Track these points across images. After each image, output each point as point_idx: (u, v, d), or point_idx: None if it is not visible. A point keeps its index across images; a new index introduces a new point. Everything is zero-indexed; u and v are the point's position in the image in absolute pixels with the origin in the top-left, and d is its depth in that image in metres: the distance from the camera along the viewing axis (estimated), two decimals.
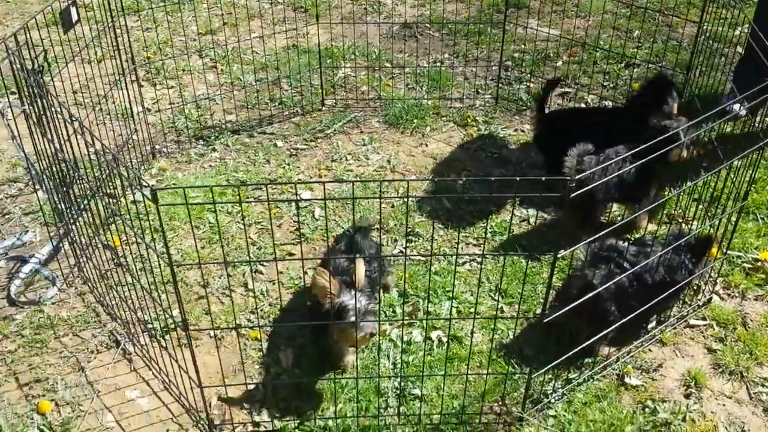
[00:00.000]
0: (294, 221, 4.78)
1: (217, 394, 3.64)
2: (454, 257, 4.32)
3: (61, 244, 4.42)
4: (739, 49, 6.04)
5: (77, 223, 4.13)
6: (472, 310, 4.07)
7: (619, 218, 4.60)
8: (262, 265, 4.43)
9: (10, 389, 3.66)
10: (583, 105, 6.03)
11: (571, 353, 3.50)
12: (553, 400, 3.58)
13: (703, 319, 4.09)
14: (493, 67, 6.39)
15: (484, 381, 3.59)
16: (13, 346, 3.89)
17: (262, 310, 4.13)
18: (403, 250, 4.50)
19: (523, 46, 6.80)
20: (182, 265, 4.29)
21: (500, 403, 3.59)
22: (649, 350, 3.90)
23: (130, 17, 7.04)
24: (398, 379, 3.67)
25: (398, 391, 3.62)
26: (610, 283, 3.48)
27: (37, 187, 4.23)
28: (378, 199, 3.97)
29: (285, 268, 4.41)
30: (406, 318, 4.04)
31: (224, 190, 5.00)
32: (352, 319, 3.23)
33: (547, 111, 5.14)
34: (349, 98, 6.12)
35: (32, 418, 3.51)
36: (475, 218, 4.80)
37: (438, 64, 6.56)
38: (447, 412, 3.51)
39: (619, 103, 5.89)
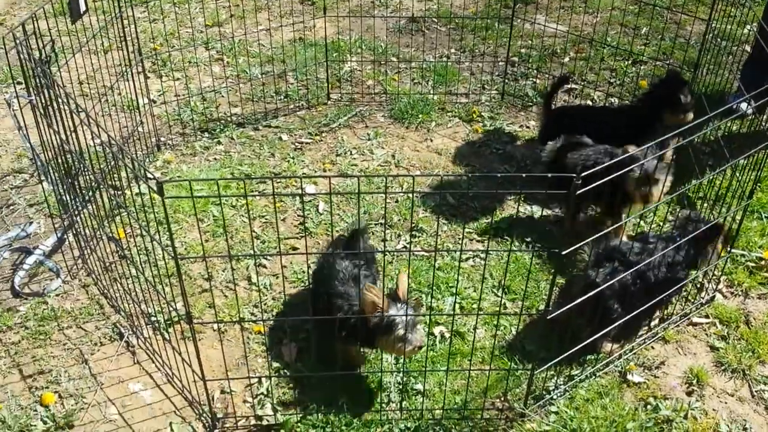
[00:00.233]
0: (298, 215, 4.78)
1: (220, 388, 3.65)
2: (458, 253, 4.32)
3: (65, 236, 4.42)
4: (747, 47, 6.02)
5: (82, 215, 4.14)
6: (475, 305, 4.07)
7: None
8: (266, 258, 4.43)
9: (14, 381, 3.68)
10: (589, 102, 6.01)
11: (573, 350, 3.50)
12: (555, 397, 3.58)
13: (706, 317, 4.08)
14: (500, 63, 6.37)
15: (487, 377, 3.60)
16: (17, 337, 3.90)
17: (265, 304, 4.13)
18: (407, 246, 4.50)
19: (530, 41, 6.79)
20: (187, 258, 4.30)
21: (502, 398, 3.59)
22: (652, 348, 3.90)
23: (138, 8, 7.02)
24: (400, 374, 3.67)
25: (401, 386, 3.62)
26: (613, 281, 3.48)
27: (42, 178, 4.23)
28: (383, 194, 3.97)
29: (289, 262, 4.41)
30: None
31: (229, 183, 5.00)
32: (400, 332, 3.24)
33: (553, 107, 5.13)
34: (355, 92, 6.12)
35: (36, 410, 3.52)
36: (479, 214, 4.80)
37: (444, 59, 6.55)
38: (449, 408, 3.52)
39: (626, 101, 5.88)
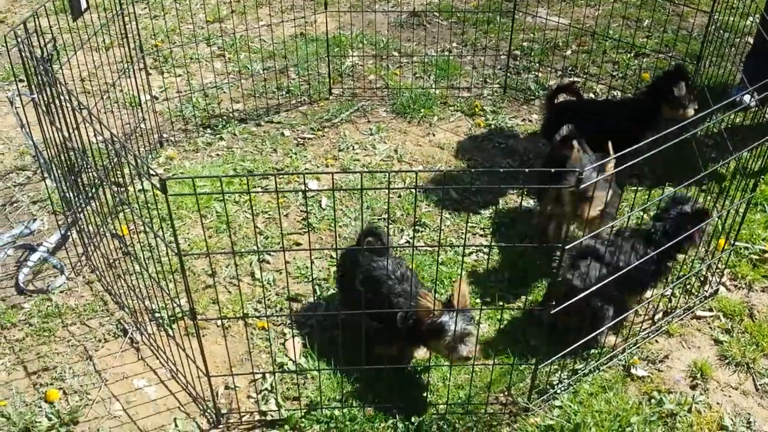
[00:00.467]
0: (301, 211, 4.78)
1: (224, 383, 3.66)
2: (462, 248, 4.32)
3: (69, 233, 4.43)
4: (750, 39, 6.00)
5: (85, 212, 4.14)
6: (479, 300, 4.07)
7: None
8: (270, 254, 4.43)
9: (19, 377, 3.69)
10: (592, 95, 5.99)
11: (575, 346, 3.50)
12: (559, 391, 3.58)
13: (710, 310, 4.08)
14: (502, 57, 6.36)
15: (490, 371, 3.60)
16: (21, 334, 3.91)
17: (269, 300, 4.14)
18: (411, 241, 4.50)
19: (532, 35, 6.77)
20: (190, 255, 4.30)
21: (506, 393, 3.60)
22: (656, 341, 3.90)
23: (138, 4, 7.02)
24: (405, 369, 3.68)
25: (404, 381, 3.63)
26: (594, 284, 3.46)
27: (46, 175, 4.24)
28: (385, 190, 3.96)
29: (292, 257, 4.42)
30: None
31: (231, 179, 5.00)
32: (447, 339, 3.26)
33: (556, 101, 5.13)
34: (357, 87, 6.11)
35: (40, 407, 3.53)
36: (482, 209, 4.80)
37: (446, 53, 6.54)
38: (453, 402, 3.52)
39: (629, 94, 5.86)
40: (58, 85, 3.40)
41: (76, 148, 3.70)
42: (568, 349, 3.47)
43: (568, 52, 6.57)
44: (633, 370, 3.72)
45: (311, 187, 5.03)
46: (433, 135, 5.56)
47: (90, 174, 4.09)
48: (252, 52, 6.45)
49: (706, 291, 4.15)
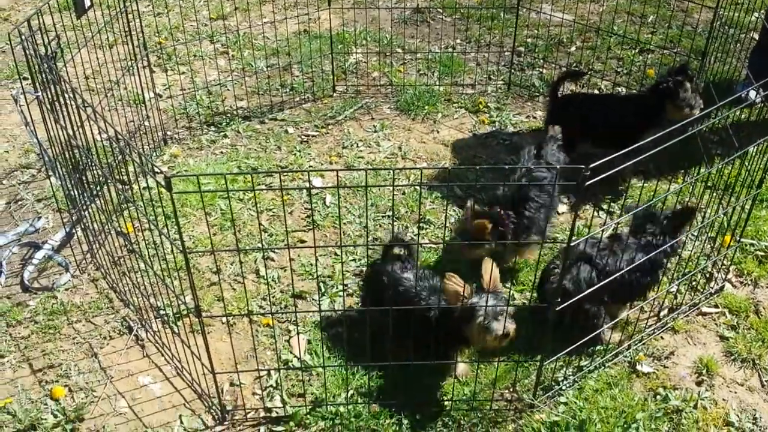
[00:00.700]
0: (305, 208, 4.78)
1: (230, 380, 3.66)
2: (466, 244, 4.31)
3: (73, 231, 4.44)
4: (755, 35, 5.98)
5: (90, 210, 4.15)
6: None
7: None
8: (274, 252, 4.44)
9: (24, 375, 3.69)
10: (596, 91, 5.98)
11: (579, 343, 3.49)
12: (564, 387, 3.58)
13: (716, 306, 4.07)
14: (506, 53, 6.35)
15: (495, 368, 3.60)
16: (27, 332, 3.91)
17: (273, 297, 4.14)
18: (415, 238, 4.49)
19: (536, 31, 6.75)
20: (195, 252, 4.30)
21: (511, 390, 3.59)
22: (661, 338, 3.89)
23: (142, 2, 7.00)
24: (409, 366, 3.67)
25: (409, 378, 3.63)
26: (587, 290, 3.45)
27: (50, 173, 4.24)
28: (390, 187, 3.95)
29: (296, 255, 4.42)
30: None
31: (236, 176, 5.00)
32: (480, 319, 3.18)
33: (560, 95, 5.11)
34: (361, 84, 6.10)
35: (46, 404, 3.54)
36: (486, 206, 4.78)
37: (450, 49, 6.53)
38: (458, 399, 3.52)
39: (634, 90, 5.85)
40: (63, 83, 3.40)
41: (81, 146, 3.71)
42: (574, 346, 3.46)
43: (573, 49, 6.55)
44: (638, 367, 3.71)
45: (315, 184, 5.03)
46: (437, 132, 5.56)
47: (95, 172, 4.09)
48: (255, 49, 6.44)
49: (712, 287, 4.14)
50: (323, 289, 4.15)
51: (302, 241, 4.53)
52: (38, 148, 4.05)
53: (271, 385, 3.63)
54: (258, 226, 4.51)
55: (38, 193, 4.90)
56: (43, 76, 3.56)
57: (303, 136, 5.50)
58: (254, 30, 6.40)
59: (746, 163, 3.96)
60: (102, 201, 4.08)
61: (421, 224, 4.61)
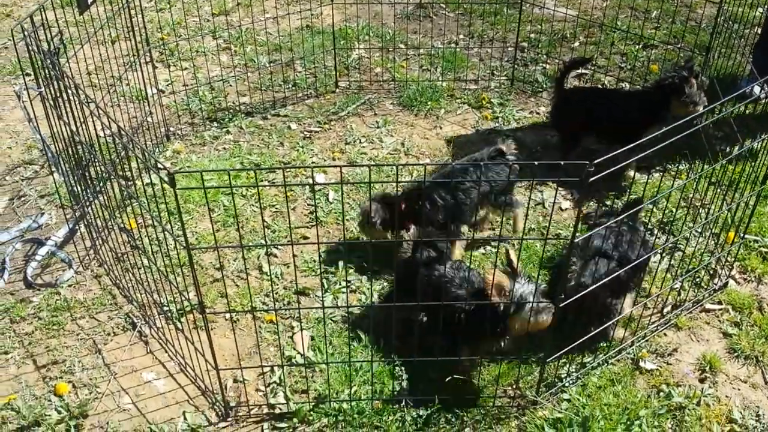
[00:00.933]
0: (308, 204, 4.78)
1: (233, 376, 3.66)
2: (470, 241, 4.31)
3: (77, 227, 4.44)
4: (759, 30, 5.96)
5: (93, 206, 4.15)
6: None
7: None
8: (277, 248, 4.43)
9: (28, 371, 3.70)
10: (599, 86, 5.97)
11: (584, 339, 3.49)
12: (567, 384, 3.57)
13: (719, 303, 4.06)
14: (509, 49, 6.34)
15: (498, 365, 3.59)
16: (30, 328, 3.92)
17: (277, 293, 4.14)
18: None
19: (539, 26, 6.74)
20: (198, 248, 4.30)
21: (514, 386, 3.59)
22: (664, 335, 3.89)
23: None
24: (412, 362, 3.67)
25: (413, 374, 3.63)
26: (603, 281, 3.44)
27: (53, 169, 4.24)
28: (393, 183, 3.95)
29: (300, 251, 4.41)
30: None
31: (239, 173, 5.00)
32: (529, 303, 3.20)
33: (565, 87, 5.10)
34: (363, 80, 6.10)
35: (50, 400, 3.55)
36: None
37: (453, 45, 6.51)
38: (461, 395, 3.52)
39: (638, 85, 5.84)
40: (65, 79, 3.39)
41: (84, 142, 3.70)
42: (577, 342, 3.46)
43: (576, 44, 6.54)
44: (642, 364, 3.71)
45: (318, 180, 5.02)
46: (440, 128, 5.55)
47: (98, 168, 4.09)
48: (258, 45, 6.44)
49: (716, 284, 4.14)
50: (326, 286, 4.15)
51: (305, 238, 4.53)
52: (41, 144, 4.05)
53: (275, 382, 3.63)
54: (261, 222, 4.50)
55: (41, 190, 4.91)
56: (46, 72, 3.56)
57: (306, 132, 5.50)
58: (257, 26, 6.40)
59: (750, 159, 3.95)
60: (105, 197, 4.08)
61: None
